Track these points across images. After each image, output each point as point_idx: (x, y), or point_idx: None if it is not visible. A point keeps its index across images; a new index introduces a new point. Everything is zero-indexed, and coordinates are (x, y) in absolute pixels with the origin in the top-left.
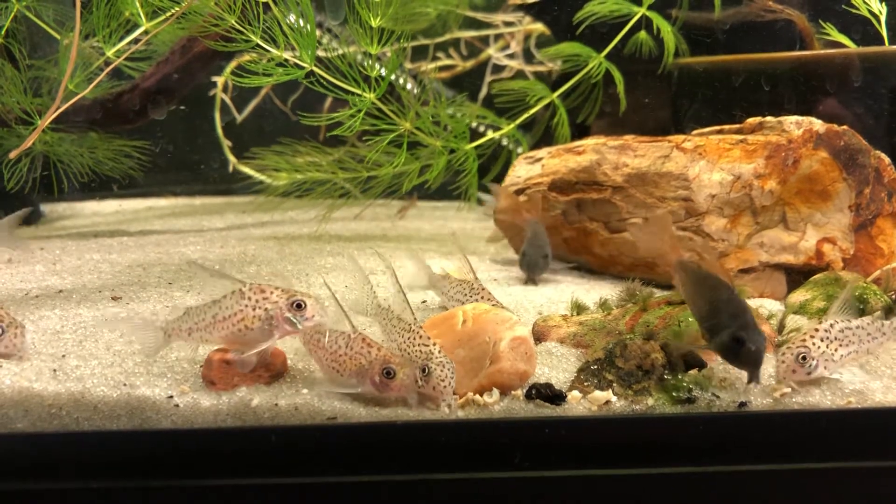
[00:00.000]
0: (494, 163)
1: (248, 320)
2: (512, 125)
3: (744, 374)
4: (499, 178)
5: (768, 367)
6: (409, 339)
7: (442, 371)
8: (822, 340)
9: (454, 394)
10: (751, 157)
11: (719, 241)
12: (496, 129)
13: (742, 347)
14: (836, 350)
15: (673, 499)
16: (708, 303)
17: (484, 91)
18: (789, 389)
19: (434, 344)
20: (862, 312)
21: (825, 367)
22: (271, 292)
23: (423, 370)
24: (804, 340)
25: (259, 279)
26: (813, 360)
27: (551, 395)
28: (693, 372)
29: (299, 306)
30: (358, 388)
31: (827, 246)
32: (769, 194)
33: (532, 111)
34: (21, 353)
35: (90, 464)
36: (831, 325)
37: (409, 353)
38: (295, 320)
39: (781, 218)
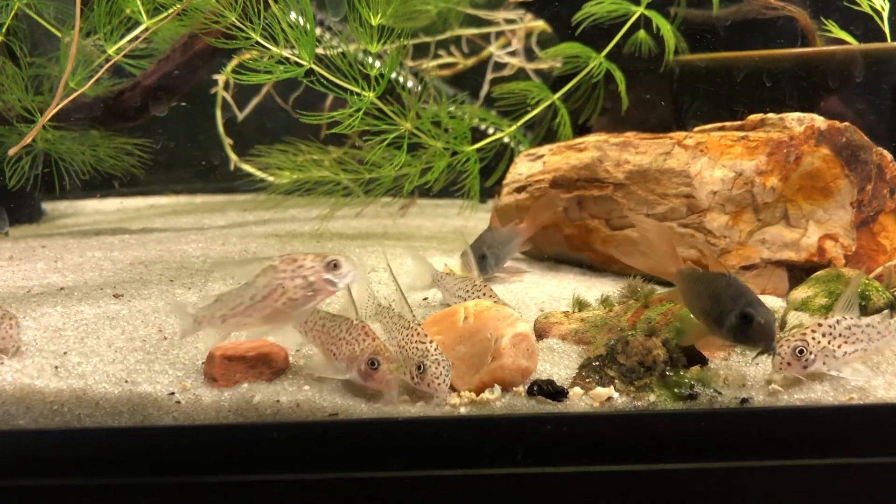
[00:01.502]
0: (497, 162)
1: (290, 291)
2: (513, 127)
3: (746, 371)
4: (501, 179)
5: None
6: (406, 336)
7: (437, 368)
8: (823, 336)
9: (453, 390)
10: (752, 154)
11: (721, 237)
12: (498, 129)
13: (752, 323)
14: (839, 346)
15: (675, 495)
16: (709, 296)
17: (485, 89)
18: (779, 385)
19: (431, 342)
20: (863, 309)
21: (823, 363)
22: (304, 258)
23: (419, 367)
24: (804, 334)
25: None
26: (811, 354)
27: (553, 391)
28: (695, 368)
29: (336, 266)
30: (346, 374)
31: (829, 243)
32: (771, 191)
33: (533, 113)
34: (16, 345)
35: (92, 460)
36: (837, 322)
37: (406, 351)
38: (335, 279)
39: (783, 215)
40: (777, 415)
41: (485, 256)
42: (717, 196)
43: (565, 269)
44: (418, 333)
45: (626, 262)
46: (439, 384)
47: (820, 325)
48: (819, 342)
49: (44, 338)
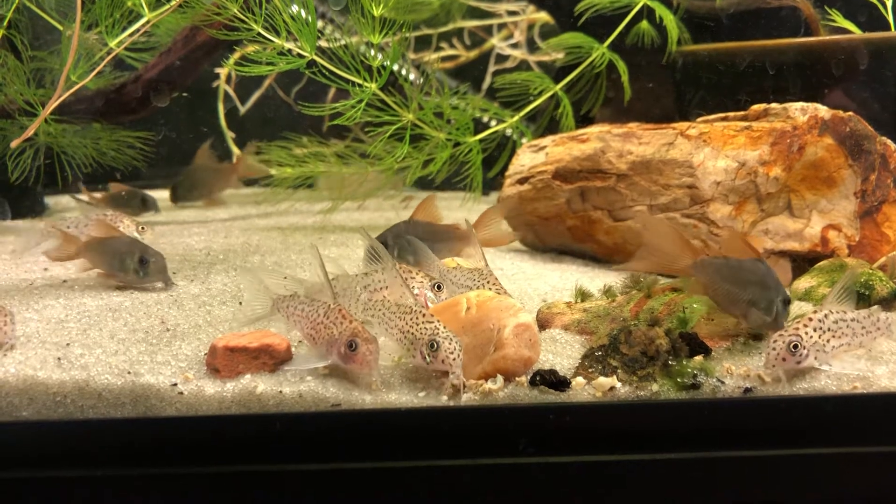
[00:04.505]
0: (499, 153)
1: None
2: (516, 117)
3: (747, 363)
4: (503, 170)
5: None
6: (411, 319)
7: (450, 344)
8: (815, 330)
9: None
10: (756, 144)
11: (724, 228)
12: (500, 120)
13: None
14: (828, 341)
15: (677, 485)
16: (754, 283)
17: (487, 81)
18: (773, 378)
19: (438, 321)
20: (866, 298)
21: (815, 358)
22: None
23: (431, 345)
24: (797, 329)
25: (263, 268)
26: (804, 349)
27: (555, 381)
28: (698, 358)
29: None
30: (328, 359)
31: (832, 233)
32: (774, 181)
33: (535, 103)
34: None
35: (95, 451)
36: (826, 316)
37: (413, 334)
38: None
39: (786, 205)
40: (780, 404)
41: (386, 245)
42: (721, 186)
43: (568, 260)
44: (423, 315)
45: (639, 267)
46: (454, 359)
47: (811, 319)
48: (811, 336)
49: (46, 329)
